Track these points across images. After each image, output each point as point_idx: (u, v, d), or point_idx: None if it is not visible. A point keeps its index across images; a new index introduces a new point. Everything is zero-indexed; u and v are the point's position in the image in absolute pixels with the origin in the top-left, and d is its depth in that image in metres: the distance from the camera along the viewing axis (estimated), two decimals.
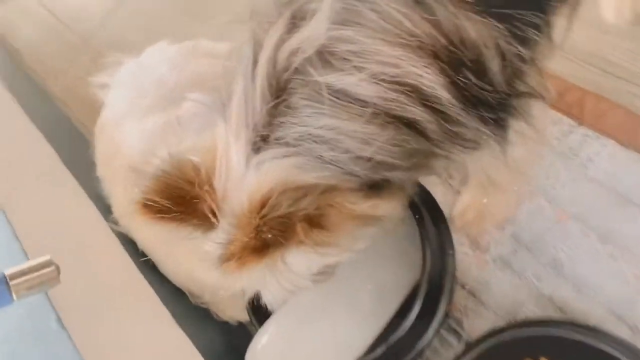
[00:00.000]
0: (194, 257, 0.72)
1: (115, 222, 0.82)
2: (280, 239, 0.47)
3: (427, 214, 0.74)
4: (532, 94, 0.57)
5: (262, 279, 0.51)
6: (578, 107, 0.85)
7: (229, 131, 0.48)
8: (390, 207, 0.54)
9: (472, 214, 0.82)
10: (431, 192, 0.77)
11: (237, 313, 0.80)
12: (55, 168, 0.83)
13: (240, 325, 0.84)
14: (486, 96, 0.50)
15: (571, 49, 0.89)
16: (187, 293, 0.84)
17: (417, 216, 0.73)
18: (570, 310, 0.73)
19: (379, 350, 0.68)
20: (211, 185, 0.49)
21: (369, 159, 0.48)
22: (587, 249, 0.75)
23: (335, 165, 0.48)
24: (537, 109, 0.59)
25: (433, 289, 0.70)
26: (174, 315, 0.71)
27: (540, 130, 0.62)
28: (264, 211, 0.47)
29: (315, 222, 0.48)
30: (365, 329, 0.69)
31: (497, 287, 0.78)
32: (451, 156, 0.54)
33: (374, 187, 0.51)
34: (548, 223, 0.79)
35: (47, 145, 0.89)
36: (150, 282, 0.75)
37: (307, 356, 0.67)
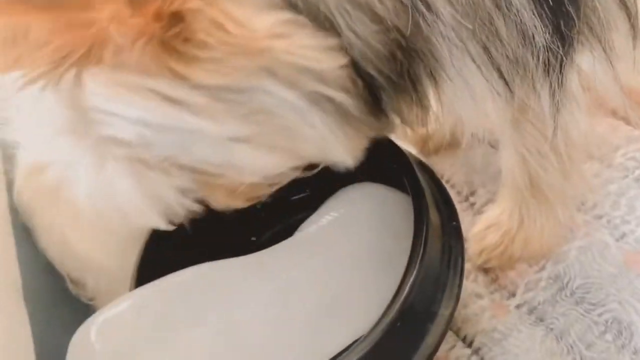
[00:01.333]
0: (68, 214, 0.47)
1: None
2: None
3: (432, 204, 0.48)
4: None
5: None
6: None
7: None
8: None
9: (496, 236, 0.55)
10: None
11: None
12: None
13: None
14: None
15: None
16: (66, 278, 0.57)
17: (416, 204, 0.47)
18: None
19: None
20: None
21: None
22: None
23: None
24: None
25: (420, 310, 0.42)
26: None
27: None
28: None
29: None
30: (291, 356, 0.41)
31: (521, 349, 0.49)
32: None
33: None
34: (612, 267, 0.52)
35: None
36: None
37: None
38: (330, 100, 0.35)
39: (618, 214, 0.55)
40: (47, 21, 0.27)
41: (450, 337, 0.53)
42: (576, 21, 0.37)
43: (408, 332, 0.42)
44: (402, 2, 0.32)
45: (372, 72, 0.35)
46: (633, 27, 0.42)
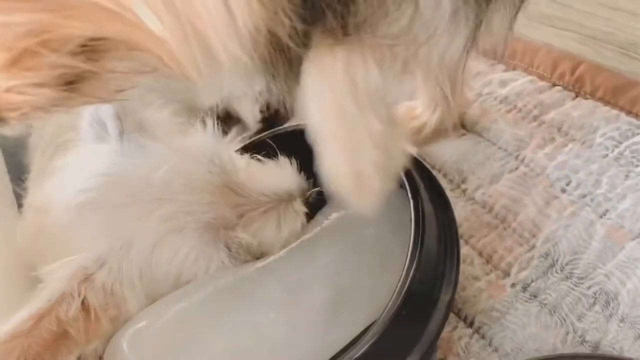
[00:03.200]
0: None
1: None
2: None
3: (427, 198, 0.51)
4: None
5: None
6: None
7: None
8: None
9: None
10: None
11: None
12: None
13: None
14: None
15: None
16: None
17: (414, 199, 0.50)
18: None
19: None
20: None
21: None
22: None
23: None
24: None
25: (421, 301, 0.46)
26: None
27: None
28: None
29: None
30: (304, 347, 0.44)
31: (517, 324, 0.53)
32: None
33: None
34: (597, 243, 0.55)
35: None
36: None
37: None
38: None
39: (600, 191, 0.59)
40: None
41: (452, 318, 0.56)
42: None
43: (413, 318, 0.45)
44: None
45: None
46: None
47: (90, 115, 0.51)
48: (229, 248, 0.46)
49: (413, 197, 0.49)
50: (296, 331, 0.44)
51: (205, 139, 0.53)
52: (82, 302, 0.41)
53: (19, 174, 0.64)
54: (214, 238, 0.45)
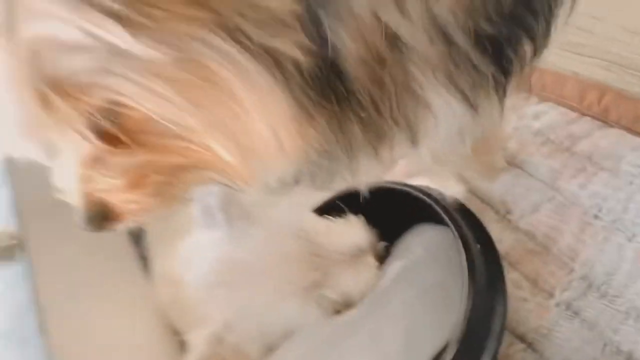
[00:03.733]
0: None
1: None
2: None
3: (475, 244, 0.62)
4: None
5: None
6: None
7: None
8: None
9: None
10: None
11: None
12: None
13: None
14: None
15: None
16: None
17: (465, 248, 0.61)
18: None
19: None
20: None
21: None
22: None
23: None
24: None
25: (477, 332, 0.57)
26: None
27: None
28: None
29: None
30: None
31: (563, 339, 0.63)
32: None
33: None
34: (627, 264, 0.65)
35: None
36: None
37: None
38: (278, 60, 0.33)
39: (628, 217, 0.67)
40: None
41: (508, 336, 0.67)
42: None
43: (471, 347, 0.57)
44: None
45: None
46: None
47: (200, 204, 0.65)
48: (319, 305, 0.59)
49: (463, 244, 0.60)
50: None
51: (290, 210, 0.67)
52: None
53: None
54: (308, 299, 0.58)
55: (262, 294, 0.58)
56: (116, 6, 0.29)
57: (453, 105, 0.46)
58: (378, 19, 0.37)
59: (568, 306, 0.65)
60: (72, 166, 0.39)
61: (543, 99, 0.86)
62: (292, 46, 0.33)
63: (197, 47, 0.31)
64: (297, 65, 0.34)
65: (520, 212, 0.76)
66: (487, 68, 0.45)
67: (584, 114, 0.80)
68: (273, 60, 0.33)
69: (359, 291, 0.62)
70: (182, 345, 0.61)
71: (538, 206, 0.75)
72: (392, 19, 0.37)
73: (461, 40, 0.42)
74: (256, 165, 0.39)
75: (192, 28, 0.31)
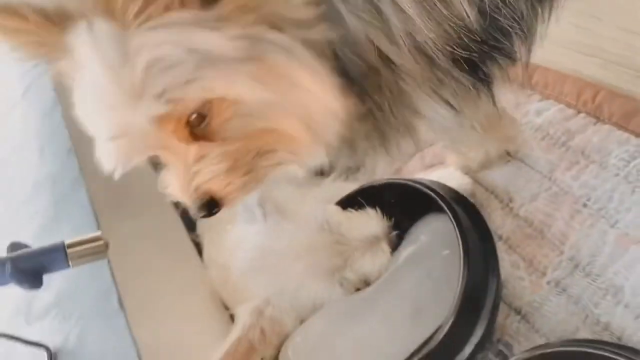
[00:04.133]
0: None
1: None
2: None
3: (472, 232, 0.74)
4: None
5: None
6: None
7: None
8: None
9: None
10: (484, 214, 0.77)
11: None
12: None
13: None
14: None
15: None
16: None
17: (461, 235, 0.73)
18: (628, 339, 0.67)
19: None
20: None
21: None
22: None
23: None
24: None
25: (472, 306, 0.69)
26: None
27: None
28: None
29: None
30: (397, 345, 0.69)
31: (551, 312, 0.74)
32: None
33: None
34: (609, 248, 0.74)
35: None
36: None
37: None
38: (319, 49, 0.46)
39: (612, 205, 0.77)
40: None
41: (505, 309, 0.78)
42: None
43: (467, 320, 0.69)
44: None
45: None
46: None
47: (242, 202, 0.78)
48: (341, 284, 0.72)
49: (460, 230, 0.71)
50: (391, 333, 0.70)
51: (316, 205, 0.79)
52: (261, 328, 0.70)
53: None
54: (332, 280, 0.71)
55: (294, 277, 0.71)
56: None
57: (440, 111, 0.57)
58: (371, 42, 0.49)
59: (557, 284, 0.76)
60: (180, 170, 0.50)
61: (545, 97, 0.94)
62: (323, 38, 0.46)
63: (263, 43, 0.44)
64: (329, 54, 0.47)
65: (521, 201, 0.86)
66: (467, 80, 0.56)
67: (580, 111, 0.88)
68: (315, 51, 0.46)
69: (374, 273, 0.74)
70: (231, 318, 0.75)
71: (536, 195, 0.84)
72: (383, 44, 0.50)
73: (442, 60, 0.53)
74: (316, 133, 0.51)
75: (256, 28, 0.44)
